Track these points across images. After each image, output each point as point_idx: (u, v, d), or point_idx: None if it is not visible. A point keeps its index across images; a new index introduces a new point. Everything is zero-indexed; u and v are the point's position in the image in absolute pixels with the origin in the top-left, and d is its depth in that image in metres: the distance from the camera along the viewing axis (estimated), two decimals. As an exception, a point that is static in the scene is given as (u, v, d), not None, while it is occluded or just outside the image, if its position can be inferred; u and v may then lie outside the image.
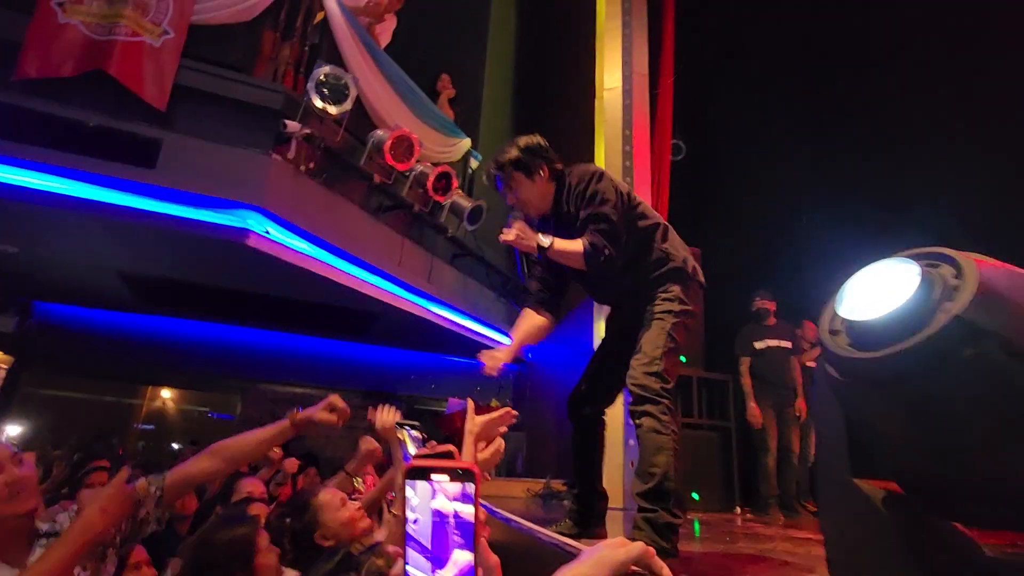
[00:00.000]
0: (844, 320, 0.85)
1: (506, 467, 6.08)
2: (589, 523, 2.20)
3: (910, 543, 0.86)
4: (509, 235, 2.07)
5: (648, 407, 1.91)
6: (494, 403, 5.71)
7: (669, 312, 2.05)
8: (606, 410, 2.31)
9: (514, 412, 1.94)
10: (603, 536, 2.18)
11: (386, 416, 1.61)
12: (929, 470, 0.81)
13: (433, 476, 0.62)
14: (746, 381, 4.55)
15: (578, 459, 2.27)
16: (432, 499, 0.61)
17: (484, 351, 2.16)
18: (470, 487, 0.62)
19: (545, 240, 2.02)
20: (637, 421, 1.94)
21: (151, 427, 8.76)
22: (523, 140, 2.14)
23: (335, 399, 1.67)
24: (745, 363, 4.60)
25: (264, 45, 3.91)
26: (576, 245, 2.00)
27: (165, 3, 3.37)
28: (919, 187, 4.09)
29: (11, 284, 5.09)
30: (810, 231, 4.91)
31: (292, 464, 3.27)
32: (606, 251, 1.97)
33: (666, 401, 1.93)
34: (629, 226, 2.10)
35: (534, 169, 2.11)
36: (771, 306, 4.71)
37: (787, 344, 4.63)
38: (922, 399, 0.75)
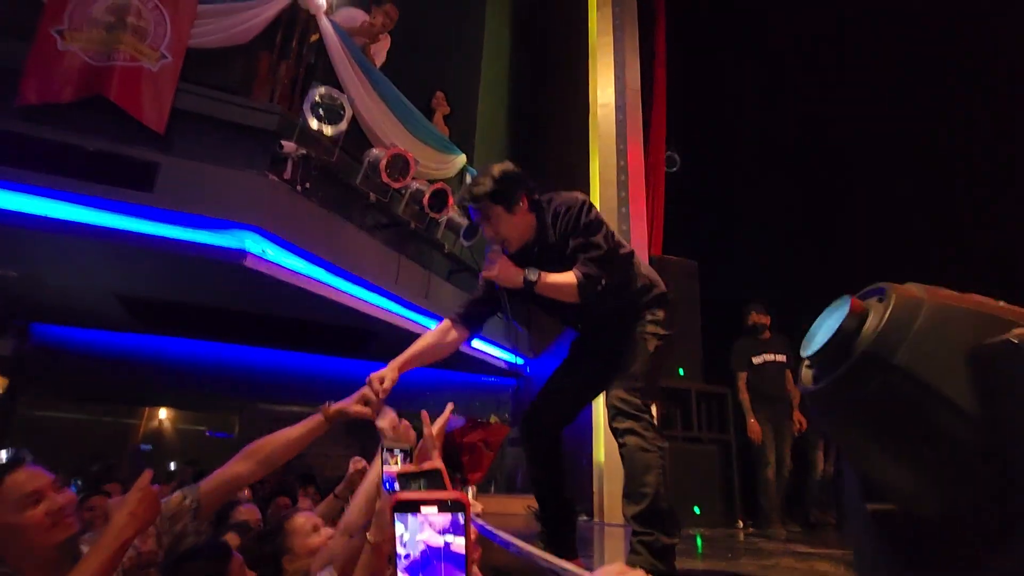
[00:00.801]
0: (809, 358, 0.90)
1: (505, 483, 6.05)
2: (561, 542, 2.14)
3: (916, 561, 0.87)
4: (491, 271, 1.93)
5: (631, 423, 1.87)
6: (493, 419, 5.70)
7: (654, 335, 2.02)
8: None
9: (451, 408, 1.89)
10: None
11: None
12: (898, 494, 0.83)
13: (423, 509, 0.62)
14: (744, 397, 4.55)
15: (540, 479, 2.20)
16: (420, 532, 0.61)
17: (372, 374, 1.90)
18: (460, 517, 0.62)
19: (532, 274, 1.89)
20: (621, 440, 1.88)
21: (149, 447, 8.71)
22: (497, 169, 1.95)
23: (369, 392, 1.64)
24: (742, 378, 4.61)
25: (260, 67, 3.95)
26: (568, 277, 1.89)
27: (163, 28, 3.42)
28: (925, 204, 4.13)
29: (8, 307, 5.08)
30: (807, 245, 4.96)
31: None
32: (602, 280, 1.88)
33: (648, 417, 1.89)
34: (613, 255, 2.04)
35: (513, 200, 1.93)
36: (766, 320, 4.72)
37: (782, 358, 4.64)
38: (855, 426, 0.79)
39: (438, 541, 0.62)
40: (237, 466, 1.51)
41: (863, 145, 4.78)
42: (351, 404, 1.60)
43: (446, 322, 2.13)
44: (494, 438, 4.73)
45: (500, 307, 2.13)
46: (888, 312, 0.76)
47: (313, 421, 1.58)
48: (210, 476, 1.50)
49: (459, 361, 5.95)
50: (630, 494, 1.84)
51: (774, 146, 5.49)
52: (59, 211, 3.30)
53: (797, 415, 4.56)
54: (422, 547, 0.61)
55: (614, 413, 1.91)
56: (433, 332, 2.13)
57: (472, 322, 2.13)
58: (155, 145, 3.45)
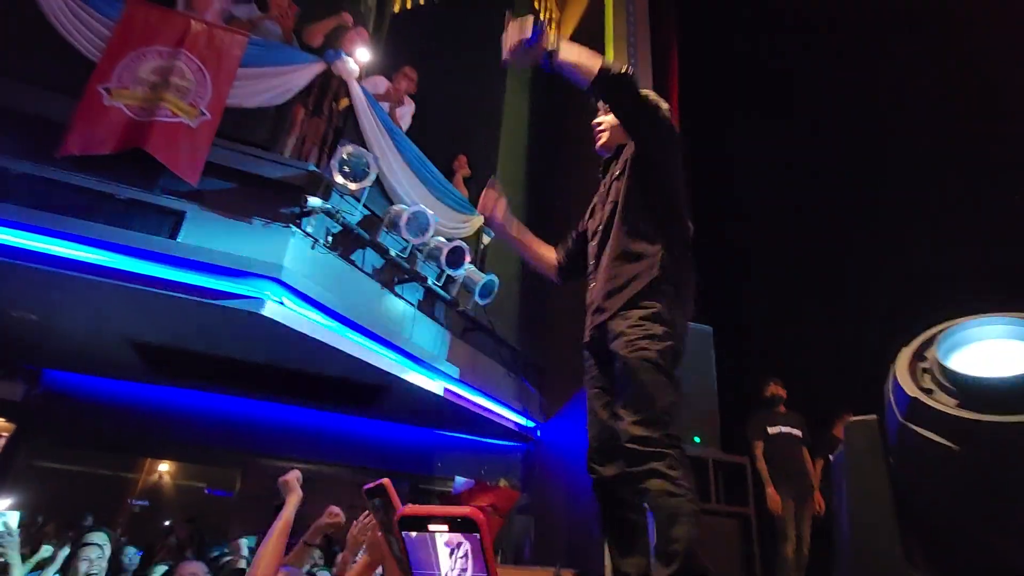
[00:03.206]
0: (947, 374, 0.78)
1: (513, 554, 5.76)
2: None
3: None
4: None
5: (654, 464, 1.56)
6: (502, 483, 5.50)
7: (651, 337, 1.72)
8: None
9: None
10: None
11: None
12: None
13: (431, 527, 0.56)
14: (762, 465, 4.51)
15: (606, 537, 1.86)
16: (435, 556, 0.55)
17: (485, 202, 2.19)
18: (476, 541, 0.55)
19: (554, 42, 1.76)
20: (643, 485, 1.59)
21: (145, 503, 8.46)
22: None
23: None
24: (759, 447, 4.60)
25: (292, 124, 4.13)
26: (595, 57, 1.76)
27: (204, 87, 3.60)
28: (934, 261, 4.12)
29: (22, 351, 5.10)
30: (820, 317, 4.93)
31: None
32: (631, 89, 1.76)
33: (673, 452, 1.58)
34: (669, 194, 1.96)
35: None
36: (783, 393, 4.77)
37: (798, 433, 4.65)
38: None
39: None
40: None
41: (882, 209, 4.79)
42: None
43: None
44: (503, 503, 4.55)
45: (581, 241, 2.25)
46: None
47: None
48: None
49: (469, 423, 5.83)
50: (660, 554, 1.54)
51: (791, 211, 5.51)
52: (83, 254, 3.36)
53: (818, 497, 4.50)
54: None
55: (630, 457, 1.62)
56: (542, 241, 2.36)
57: (567, 252, 2.31)
58: (184, 195, 3.57)
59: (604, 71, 1.74)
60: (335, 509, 2.42)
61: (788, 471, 4.54)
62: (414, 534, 0.58)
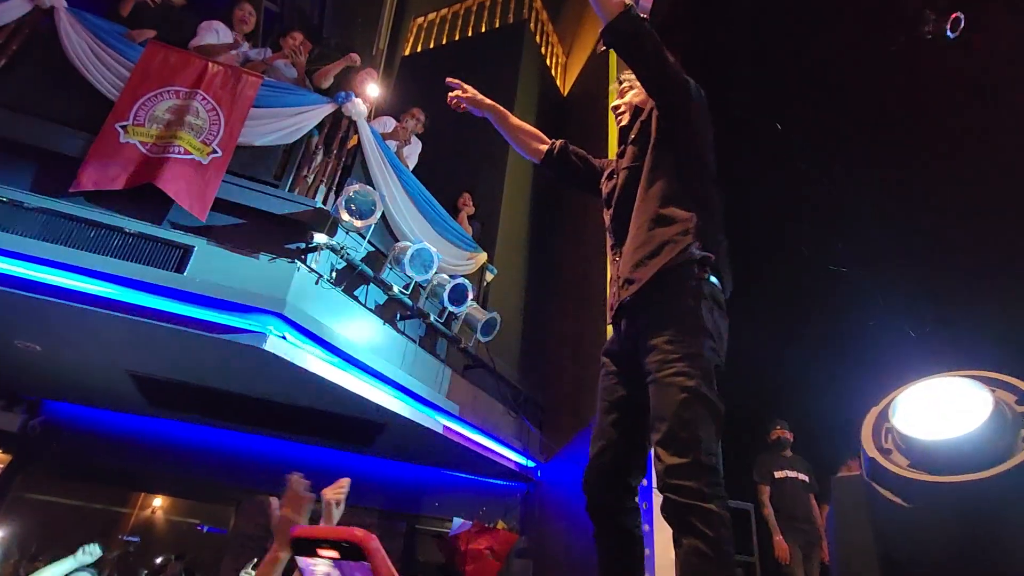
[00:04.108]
0: (900, 436, 0.82)
1: (511, 599, 5.60)
2: None
3: None
4: None
5: (693, 520, 1.36)
6: (500, 525, 5.39)
7: (690, 358, 1.49)
8: (636, 495, 1.69)
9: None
10: None
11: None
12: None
13: (320, 551, 0.53)
14: (768, 512, 4.36)
15: (600, 569, 1.68)
16: None
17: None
18: (365, 571, 0.52)
19: None
20: (676, 537, 1.42)
21: (136, 539, 8.28)
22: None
23: None
24: (765, 492, 4.45)
25: (301, 162, 4.22)
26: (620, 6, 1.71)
27: (217, 126, 3.70)
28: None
29: (24, 381, 5.10)
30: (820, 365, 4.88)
31: None
32: (648, 38, 1.68)
33: (715, 505, 1.37)
34: (690, 157, 1.79)
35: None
36: (790, 436, 4.67)
37: (804, 478, 4.52)
38: (996, 527, 0.72)
39: None
40: None
41: (892, 245, 4.78)
42: None
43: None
44: (501, 546, 4.45)
45: (580, 181, 2.18)
46: None
47: None
48: None
49: (467, 462, 5.74)
50: None
51: (801, 239, 5.49)
52: (90, 287, 3.38)
53: (826, 546, 4.34)
54: None
55: (667, 504, 1.43)
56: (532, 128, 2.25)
57: (567, 152, 2.19)
58: (192, 229, 3.62)
59: (622, 17, 1.72)
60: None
61: (795, 517, 4.39)
62: (306, 560, 0.54)
